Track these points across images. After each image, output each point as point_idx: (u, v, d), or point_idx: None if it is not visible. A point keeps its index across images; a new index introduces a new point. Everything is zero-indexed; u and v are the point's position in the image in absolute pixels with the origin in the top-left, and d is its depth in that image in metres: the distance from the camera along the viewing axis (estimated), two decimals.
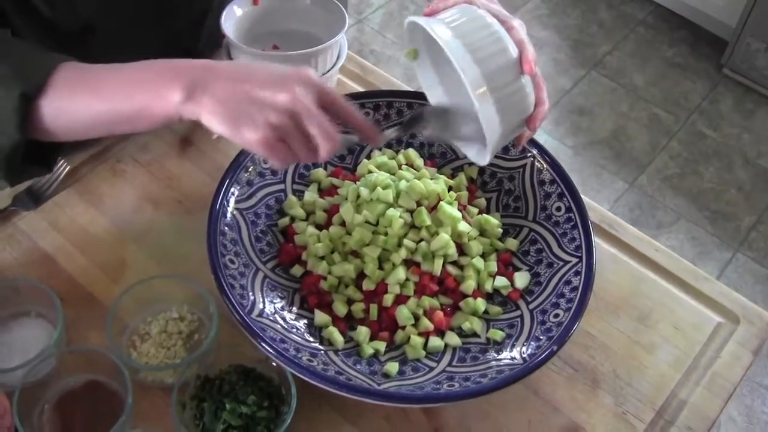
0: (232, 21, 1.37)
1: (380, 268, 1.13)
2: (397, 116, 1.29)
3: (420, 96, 1.28)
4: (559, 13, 3.69)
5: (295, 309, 1.13)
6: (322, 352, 1.07)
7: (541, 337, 1.07)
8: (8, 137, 0.99)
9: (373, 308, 1.12)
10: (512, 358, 1.06)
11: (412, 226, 1.15)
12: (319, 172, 1.25)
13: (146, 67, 0.99)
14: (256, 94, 0.92)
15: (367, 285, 1.12)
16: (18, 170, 1.04)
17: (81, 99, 0.99)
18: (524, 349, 1.07)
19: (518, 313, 1.14)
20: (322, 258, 1.15)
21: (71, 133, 1.03)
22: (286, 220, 1.20)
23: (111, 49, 1.18)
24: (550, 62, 3.46)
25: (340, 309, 1.12)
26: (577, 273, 1.12)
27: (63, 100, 0.99)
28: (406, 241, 1.13)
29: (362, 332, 1.10)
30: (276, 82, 0.93)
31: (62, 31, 1.20)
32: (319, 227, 1.19)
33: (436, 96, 1.17)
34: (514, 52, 1.01)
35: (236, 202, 1.17)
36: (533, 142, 1.24)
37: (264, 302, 1.09)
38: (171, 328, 1.10)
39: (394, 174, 1.21)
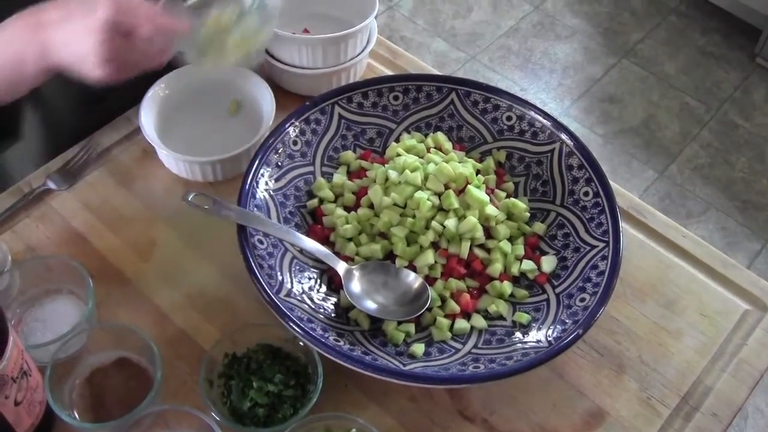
0: None
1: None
2: (427, 100, 1.29)
3: (450, 80, 1.29)
4: (591, 0, 3.67)
5: (323, 290, 1.13)
6: (349, 332, 1.08)
7: (567, 321, 1.07)
8: None
9: None
10: (538, 341, 1.06)
11: (440, 209, 1.15)
12: (348, 155, 1.26)
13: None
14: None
15: (400, 263, 1.13)
16: None
17: None
18: (550, 332, 1.07)
19: (544, 296, 1.14)
20: (350, 239, 1.16)
21: None
22: (314, 202, 1.21)
23: None
24: (581, 50, 3.45)
25: None
26: (604, 258, 1.12)
27: None
28: (433, 224, 1.13)
29: (390, 322, 1.10)
30: (90, 11, 1.00)
31: None
32: (348, 209, 1.20)
33: None
34: None
35: (266, 183, 1.18)
36: (562, 128, 1.24)
37: (292, 282, 1.10)
38: None
39: (422, 157, 1.22)
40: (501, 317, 1.13)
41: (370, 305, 1.09)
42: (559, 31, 3.53)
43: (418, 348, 1.07)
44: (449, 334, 1.10)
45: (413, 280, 1.11)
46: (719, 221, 2.89)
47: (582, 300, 1.09)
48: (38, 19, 1.03)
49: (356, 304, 1.09)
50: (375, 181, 1.19)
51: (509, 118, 1.27)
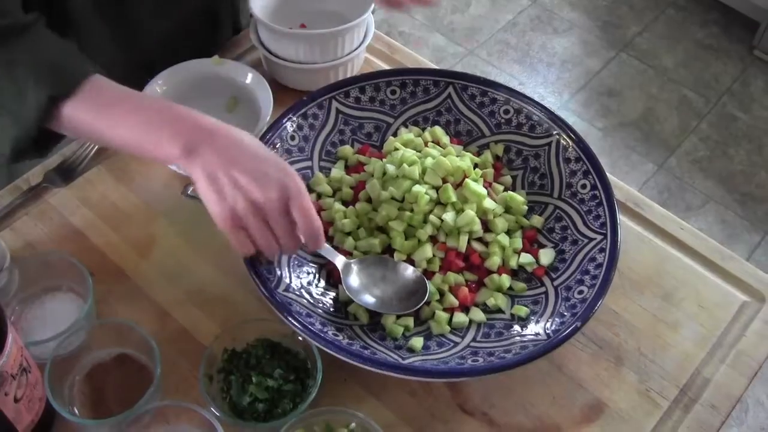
0: (261, 0, 1.38)
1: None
2: (424, 94, 1.29)
3: (447, 74, 1.29)
4: None
5: (321, 284, 1.14)
6: (348, 326, 1.08)
7: (566, 314, 1.08)
8: (26, 131, 1.05)
9: None
10: (536, 334, 1.07)
11: (438, 203, 1.15)
12: (346, 149, 1.26)
13: (159, 110, 1.04)
14: (236, 178, 0.99)
15: (398, 257, 1.13)
16: (18, 153, 1.09)
17: (96, 120, 1.05)
18: (548, 325, 1.07)
19: (543, 289, 1.14)
20: (349, 234, 1.16)
21: (77, 136, 1.15)
22: (313, 197, 1.21)
23: (148, 15, 1.24)
24: (579, 44, 3.45)
25: None
26: (602, 250, 1.12)
27: (79, 112, 1.04)
28: (431, 218, 1.14)
29: (389, 317, 1.11)
30: (258, 179, 0.99)
31: None
32: (346, 203, 1.20)
33: None
34: None
35: None
36: (559, 121, 1.24)
37: (291, 277, 1.10)
38: None
39: (420, 151, 1.22)
40: (499, 310, 1.13)
41: (369, 299, 1.10)
42: (557, 25, 3.53)
43: (417, 342, 1.08)
44: (448, 328, 1.11)
45: (411, 273, 1.12)
46: (719, 214, 2.90)
47: (580, 292, 1.09)
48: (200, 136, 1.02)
49: (355, 298, 1.09)
50: (373, 176, 1.19)
51: (506, 112, 1.27)
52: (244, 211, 0.99)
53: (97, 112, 1.04)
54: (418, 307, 1.10)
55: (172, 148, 1.00)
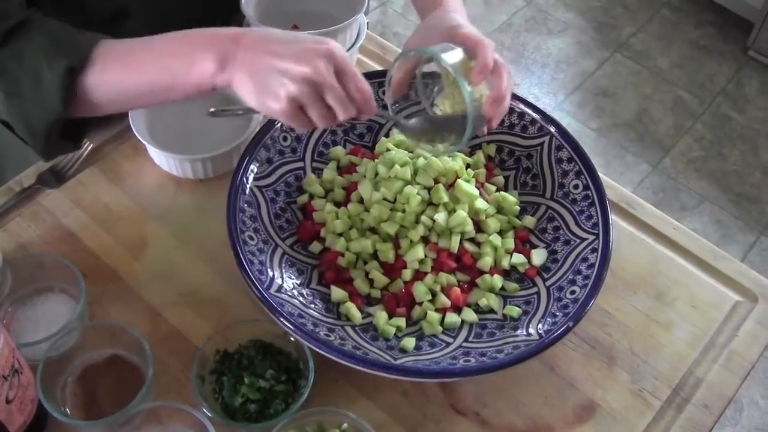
0: (252, 1, 1.38)
1: (398, 245, 1.14)
2: (416, 94, 1.29)
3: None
4: None
5: (313, 285, 1.14)
6: (340, 327, 1.08)
7: (558, 314, 1.08)
8: (51, 112, 1.04)
9: (396, 283, 1.13)
10: (528, 334, 1.07)
11: (430, 203, 1.16)
12: (338, 150, 1.26)
13: (178, 39, 1.04)
14: (279, 66, 0.97)
15: (384, 257, 1.14)
16: (53, 146, 1.08)
17: (120, 72, 1.04)
18: (540, 325, 1.08)
19: (535, 289, 1.14)
20: (341, 234, 1.16)
21: (110, 105, 1.09)
22: (305, 198, 1.22)
23: (142, 35, 1.21)
24: (573, 44, 3.45)
25: (362, 287, 1.13)
26: (594, 250, 1.12)
27: (103, 74, 1.04)
28: (423, 218, 1.14)
29: (382, 317, 1.11)
30: (298, 54, 0.97)
31: (95, 18, 1.22)
32: (338, 204, 1.20)
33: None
34: None
35: (255, 179, 1.18)
36: (551, 121, 1.24)
37: (283, 278, 1.10)
38: None
39: (412, 152, 1.22)
40: (492, 311, 1.13)
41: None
42: (552, 26, 3.53)
43: (409, 342, 1.08)
44: (440, 328, 1.11)
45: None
46: (713, 214, 2.90)
47: (572, 292, 1.10)
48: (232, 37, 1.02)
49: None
50: (365, 176, 1.19)
51: None
52: (298, 92, 0.97)
53: (122, 66, 1.04)
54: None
55: (206, 65, 1.00)
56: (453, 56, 1.07)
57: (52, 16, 1.17)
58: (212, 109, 1.07)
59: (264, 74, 0.98)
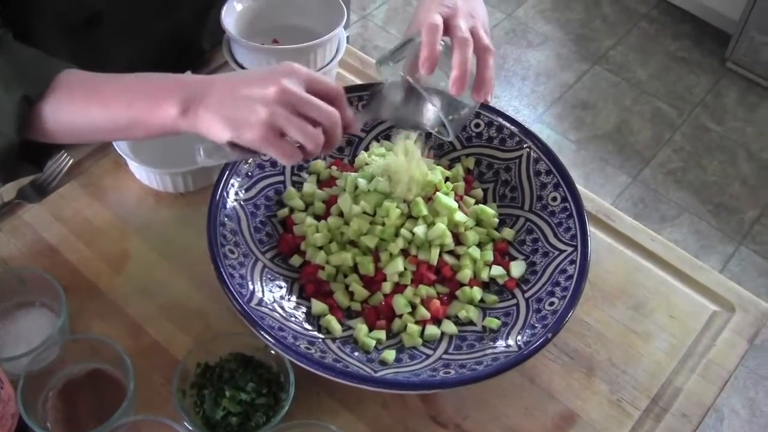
0: (232, 16, 1.39)
1: (378, 257, 1.15)
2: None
3: None
4: (563, 7, 3.70)
5: (293, 298, 1.14)
6: (320, 340, 1.09)
7: (537, 325, 1.08)
8: (5, 138, 1.03)
9: (377, 296, 1.14)
10: (508, 346, 1.07)
11: (409, 216, 1.16)
12: (318, 164, 1.27)
13: (145, 79, 1.03)
14: (245, 93, 0.96)
15: (364, 270, 1.14)
16: (10, 169, 1.07)
17: (80, 105, 1.03)
18: (520, 337, 1.08)
19: (514, 301, 1.15)
20: (321, 248, 1.17)
21: (68, 137, 1.08)
22: (285, 211, 1.22)
23: (115, 40, 1.21)
24: (553, 57, 3.47)
25: (342, 300, 1.14)
26: (573, 262, 1.13)
27: (63, 105, 1.02)
28: (403, 231, 1.14)
29: (362, 330, 1.11)
30: (263, 78, 0.97)
31: (68, 22, 1.22)
32: (318, 218, 1.21)
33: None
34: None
35: (236, 193, 1.18)
36: (530, 134, 1.25)
37: (263, 291, 1.11)
38: None
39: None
40: (471, 323, 1.14)
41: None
42: (531, 39, 3.56)
43: (389, 354, 1.08)
44: (420, 341, 1.11)
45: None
46: (693, 225, 2.92)
47: (551, 304, 1.10)
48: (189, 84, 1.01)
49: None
50: (345, 190, 1.20)
51: (477, 125, 1.28)
52: (270, 115, 0.95)
53: (79, 97, 1.03)
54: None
55: (170, 107, 0.98)
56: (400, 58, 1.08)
57: (27, 24, 1.17)
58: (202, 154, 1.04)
59: (231, 107, 0.96)
